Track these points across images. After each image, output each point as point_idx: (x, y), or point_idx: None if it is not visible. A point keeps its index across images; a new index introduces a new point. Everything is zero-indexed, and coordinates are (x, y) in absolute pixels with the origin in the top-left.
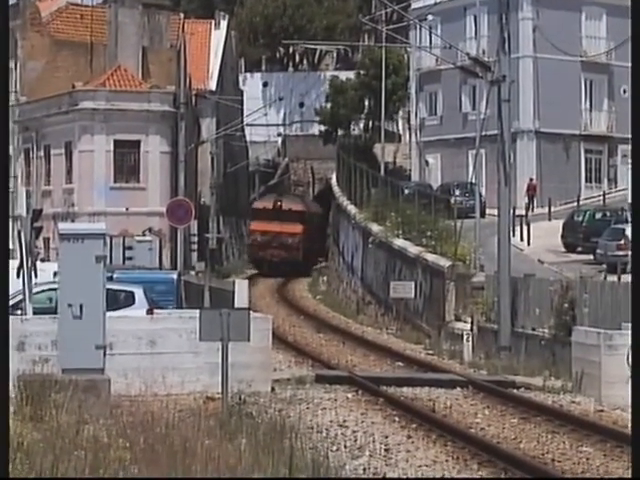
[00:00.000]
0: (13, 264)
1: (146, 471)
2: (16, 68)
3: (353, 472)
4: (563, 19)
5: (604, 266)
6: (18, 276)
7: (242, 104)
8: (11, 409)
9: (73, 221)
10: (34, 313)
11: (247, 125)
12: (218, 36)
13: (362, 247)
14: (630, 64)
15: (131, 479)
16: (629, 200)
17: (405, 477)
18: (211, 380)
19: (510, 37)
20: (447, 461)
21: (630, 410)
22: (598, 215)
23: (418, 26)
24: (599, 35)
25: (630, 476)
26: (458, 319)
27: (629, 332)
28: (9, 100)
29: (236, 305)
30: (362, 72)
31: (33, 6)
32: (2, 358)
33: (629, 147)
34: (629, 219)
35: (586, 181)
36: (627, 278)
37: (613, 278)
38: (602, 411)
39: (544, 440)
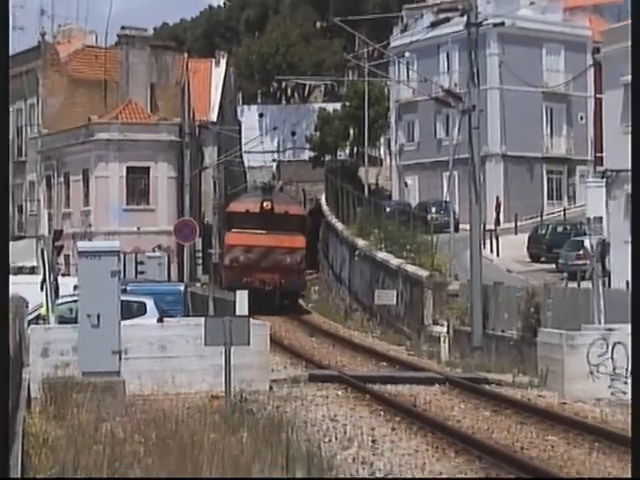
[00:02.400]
0: (36, 279)
1: (159, 463)
2: (38, 104)
3: (343, 461)
4: (526, 54)
5: (565, 274)
6: (42, 289)
7: (240, 133)
8: (36, 409)
9: (90, 240)
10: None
11: (245, 152)
12: (218, 73)
13: (349, 260)
14: (630, 69)
15: (139, 479)
16: (587, 215)
17: (412, 477)
18: (215, 380)
19: (479, 71)
20: (427, 450)
21: (630, 411)
22: (559, 229)
23: (397, 62)
24: (558, 68)
25: (630, 476)
26: (435, 323)
27: (589, 333)
28: (9, 107)
29: (237, 313)
30: (347, 104)
31: (52, 48)
32: (2, 359)
33: (586, 167)
34: (587, 232)
35: (548, 198)
36: (586, 284)
37: (573, 285)
38: (565, 404)
39: (514, 430)
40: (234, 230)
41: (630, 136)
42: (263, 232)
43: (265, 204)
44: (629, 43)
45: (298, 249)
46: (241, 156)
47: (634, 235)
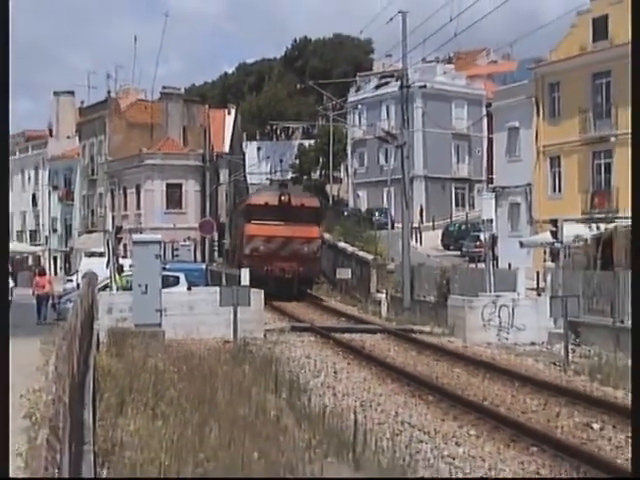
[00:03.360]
0: (104, 261)
1: (187, 386)
2: (105, 140)
3: (314, 386)
4: (440, 107)
5: (467, 258)
6: (107, 268)
7: (244, 161)
8: (104, 349)
9: (141, 233)
10: (117, 289)
11: (248, 173)
12: (229, 119)
13: None
14: (630, 69)
15: (156, 479)
16: (482, 217)
17: (430, 477)
18: (227, 330)
19: (408, 118)
20: (372, 378)
21: (630, 411)
22: (463, 227)
23: (352, 112)
24: (462, 117)
25: (631, 476)
26: (378, 291)
27: (482, 298)
28: (9, 105)
29: (242, 284)
30: (318, 140)
31: (115, 102)
32: (2, 354)
33: (481, 185)
34: (482, 229)
35: (455, 206)
36: (481, 265)
37: (473, 265)
38: (466, 347)
39: (431, 365)
40: (254, 222)
41: (630, 137)
42: (281, 223)
43: (283, 197)
44: (513, 99)
45: (314, 239)
46: (245, 176)
47: (634, 236)
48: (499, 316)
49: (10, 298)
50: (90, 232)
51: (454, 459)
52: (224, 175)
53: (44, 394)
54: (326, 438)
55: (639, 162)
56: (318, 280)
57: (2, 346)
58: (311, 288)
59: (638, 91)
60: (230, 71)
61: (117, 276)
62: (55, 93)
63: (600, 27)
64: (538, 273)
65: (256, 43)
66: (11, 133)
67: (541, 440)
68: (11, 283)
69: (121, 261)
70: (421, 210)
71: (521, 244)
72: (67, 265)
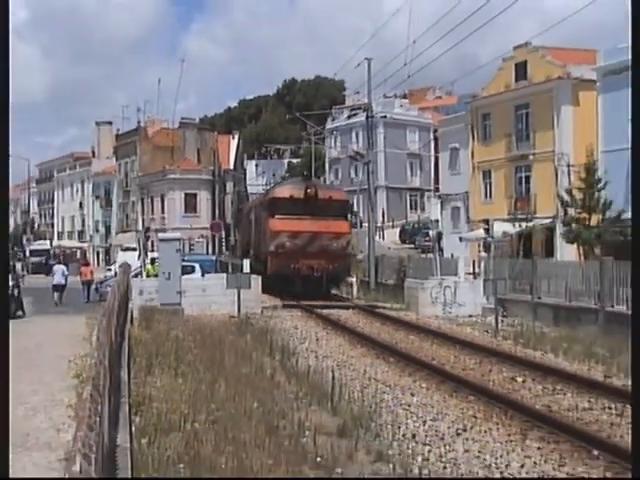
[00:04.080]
0: (135, 254)
1: (201, 352)
2: (136, 159)
3: (300, 350)
4: (398, 133)
5: (419, 250)
6: (138, 259)
7: (245, 175)
8: (136, 323)
9: (165, 232)
10: (147, 276)
11: (248, 185)
12: (233, 142)
13: None
14: (630, 70)
15: (163, 479)
16: (431, 218)
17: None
18: (232, 307)
19: (373, 142)
20: (346, 344)
21: (630, 413)
22: (416, 226)
23: (329, 136)
24: (415, 140)
25: (631, 476)
26: (350, 276)
27: (431, 280)
28: (9, 106)
29: (244, 271)
30: (303, 159)
31: (144, 129)
32: (2, 353)
33: (430, 193)
34: (431, 227)
35: (410, 210)
36: (430, 255)
37: (423, 255)
38: (419, 319)
39: (392, 333)
40: (278, 216)
41: (631, 139)
42: (308, 217)
43: (309, 190)
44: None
45: (344, 234)
46: (246, 187)
47: (635, 236)
48: (444, 295)
49: (64, 284)
50: (125, 231)
51: (410, 406)
52: (229, 187)
53: (89, 358)
54: (310, 391)
55: (639, 163)
56: (347, 277)
57: (2, 345)
58: (338, 286)
59: (638, 97)
60: (233, 105)
61: (150, 266)
62: (97, 123)
63: (521, 70)
64: (474, 261)
65: (254, 83)
66: (61, 155)
67: (477, 391)
68: (66, 272)
69: (151, 254)
70: (383, 213)
71: (460, 239)
72: (107, 257)
